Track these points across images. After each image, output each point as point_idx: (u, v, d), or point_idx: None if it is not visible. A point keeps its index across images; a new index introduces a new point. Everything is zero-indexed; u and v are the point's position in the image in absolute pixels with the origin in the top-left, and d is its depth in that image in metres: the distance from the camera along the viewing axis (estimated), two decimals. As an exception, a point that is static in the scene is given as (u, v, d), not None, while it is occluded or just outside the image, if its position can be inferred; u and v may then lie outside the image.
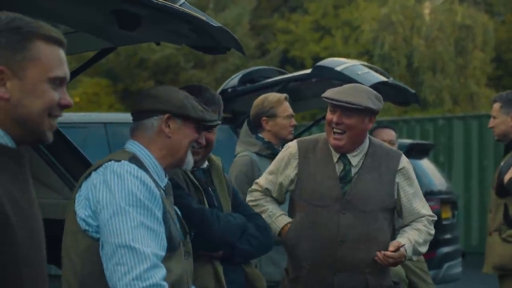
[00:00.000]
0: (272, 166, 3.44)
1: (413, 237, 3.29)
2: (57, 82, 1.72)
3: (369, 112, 3.24)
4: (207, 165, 2.92)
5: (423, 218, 3.34)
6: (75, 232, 2.24)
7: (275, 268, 3.82)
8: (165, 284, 2.12)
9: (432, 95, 17.26)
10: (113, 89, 19.93)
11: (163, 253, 2.18)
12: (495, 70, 19.27)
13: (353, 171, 3.31)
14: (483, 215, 11.36)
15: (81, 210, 2.23)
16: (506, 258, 4.39)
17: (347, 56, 17.54)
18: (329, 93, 3.29)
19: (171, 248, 2.26)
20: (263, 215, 3.25)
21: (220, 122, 2.61)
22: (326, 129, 3.32)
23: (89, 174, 2.27)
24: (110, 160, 2.26)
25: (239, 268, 2.92)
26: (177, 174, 2.76)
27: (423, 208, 3.35)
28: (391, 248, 3.22)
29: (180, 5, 2.67)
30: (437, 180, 7.73)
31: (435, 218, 3.40)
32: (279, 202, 3.48)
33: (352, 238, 3.24)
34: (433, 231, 3.37)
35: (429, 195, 6.80)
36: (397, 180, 3.33)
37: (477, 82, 17.78)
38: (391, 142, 4.88)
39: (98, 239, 2.20)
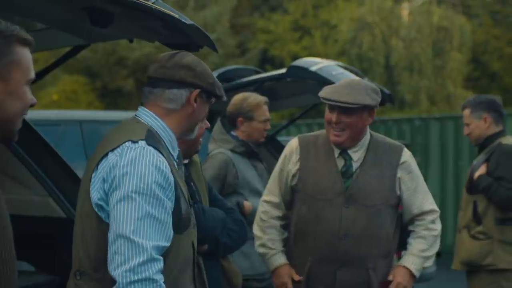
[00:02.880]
0: (278, 167, 3.44)
1: (417, 248, 3.33)
2: (30, 83, 1.76)
3: (368, 108, 3.22)
4: (188, 160, 2.94)
5: (424, 221, 3.34)
6: (90, 214, 2.19)
7: (246, 261, 3.85)
8: (159, 278, 2.10)
9: (410, 95, 17.39)
10: (91, 87, 19.82)
11: (166, 244, 2.14)
12: (472, 71, 19.46)
13: (355, 166, 3.31)
14: (458, 215, 11.47)
15: (95, 193, 2.17)
16: (474, 254, 4.46)
17: (326, 56, 17.62)
18: (325, 92, 3.25)
19: (183, 227, 2.24)
20: (258, 242, 3.34)
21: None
22: (326, 127, 3.31)
23: (106, 154, 2.18)
24: (127, 140, 2.18)
25: (216, 263, 2.94)
26: None
27: (425, 203, 3.35)
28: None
29: (153, 3, 2.67)
30: (412, 180, 7.77)
31: (438, 213, 3.38)
32: (286, 212, 3.46)
33: (355, 232, 3.24)
34: (437, 230, 3.36)
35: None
36: (398, 175, 3.32)
37: (454, 83, 17.95)
38: None
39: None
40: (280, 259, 3.37)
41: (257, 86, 5.20)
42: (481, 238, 4.46)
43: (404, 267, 3.32)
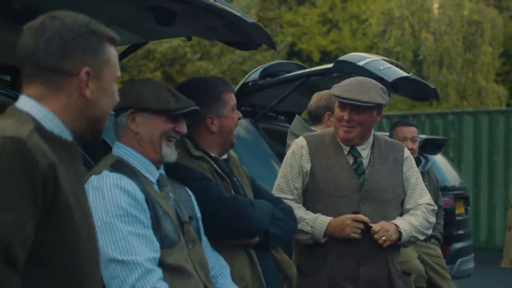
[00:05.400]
0: (287, 165, 3.37)
1: (407, 218, 3.32)
2: (116, 81, 1.79)
3: (377, 107, 3.28)
4: (227, 156, 2.94)
5: (420, 206, 3.37)
6: None
7: None
8: (163, 285, 2.15)
9: (437, 90, 17.23)
10: (120, 80, 19.86)
11: (156, 254, 2.21)
12: (503, 65, 19.23)
13: (364, 162, 3.35)
14: (492, 211, 11.36)
15: None
16: None
17: (355, 50, 17.52)
18: (338, 90, 3.27)
19: (169, 244, 2.29)
20: (299, 225, 3.21)
21: (189, 109, 2.48)
22: (335, 124, 3.34)
23: None
24: (91, 175, 2.28)
25: (269, 255, 2.93)
26: (203, 167, 2.77)
27: (421, 198, 3.39)
28: (376, 227, 3.23)
29: (215, 0, 2.67)
30: (451, 175, 7.71)
31: (435, 208, 3.41)
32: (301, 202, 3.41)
33: None
34: (432, 219, 3.38)
35: (442, 191, 6.79)
36: (404, 170, 3.39)
37: (485, 77, 17.76)
38: (413, 139, 4.89)
39: None
40: (325, 217, 3.28)
41: (303, 81, 5.19)
42: (531, 236, 4.42)
43: (393, 223, 3.30)
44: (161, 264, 2.24)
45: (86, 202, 1.74)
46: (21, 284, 1.50)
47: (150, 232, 2.22)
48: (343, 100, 3.23)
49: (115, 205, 2.18)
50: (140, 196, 2.24)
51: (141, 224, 2.20)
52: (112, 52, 1.77)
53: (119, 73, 1.79)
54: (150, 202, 2.27)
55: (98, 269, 1.76)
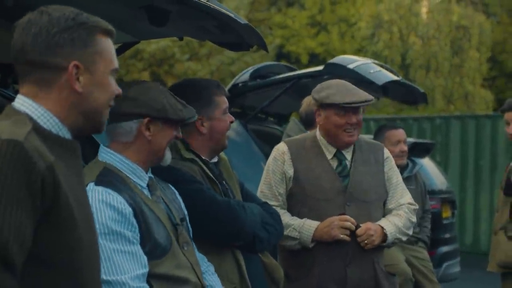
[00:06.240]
0: (270, 172, 3.38)
1: (391, 219, 3.35)
2: (114, 73, 1.76)
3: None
4: (217, 158, 2.94)
5: (403, 206, 3.40)
6: None
7: None
8: None
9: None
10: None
11: (144, 270, 2.18)
12: (490, 70, 19.35)
13: (348, 165, 3.37)
14: (477, 215, 11.42)
15: None
16: (511, 256, 4.43)
17: (343, 52, 17.56)
18: (336, 97, 3.25)
19: (159, 254, 2.26)
20: (286, 231, 3.24)
21: (194, 118, 2.52)
22: (335, 131, 3.31)
23: None
24: None
25: (256, 259, 2.93)
26: (193, 169, 2.77)
27: (403, 198, 3.42)
28: (361, 231, 3.25)
29: (207, 1, 2.66)
30: (438, 179, 7.74)
31: (416, 207, 3.45)
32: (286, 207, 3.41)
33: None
34: (414, 219, 3.42)
35: (430, 194, 6.83)
36: (385, 170, 3.42)
37: (472, 82, 17.86)
38: (405, 141, 4.92)
39: None
40: (312, 221, 3.29)
41: (294, 83, 5.20)
42: (519, 240, 4.44)
43: (379, 225, 3.34)
44: (152, 275, 2.21)
45: (86, 202, 1.72)
46: (18, 286, 1.48)
47: (137, 248, 2.17)
48: (353, 105, 3.23)
49: (100, 223, 2.12)
50: (128, 210, 2.19)
51: (126, 240, 2.15)
52: (106, 44, 1.73)
53: (115, 65, 1.75)
54: (139, 214, 2.22)
55: (99, 276, 1.74)
